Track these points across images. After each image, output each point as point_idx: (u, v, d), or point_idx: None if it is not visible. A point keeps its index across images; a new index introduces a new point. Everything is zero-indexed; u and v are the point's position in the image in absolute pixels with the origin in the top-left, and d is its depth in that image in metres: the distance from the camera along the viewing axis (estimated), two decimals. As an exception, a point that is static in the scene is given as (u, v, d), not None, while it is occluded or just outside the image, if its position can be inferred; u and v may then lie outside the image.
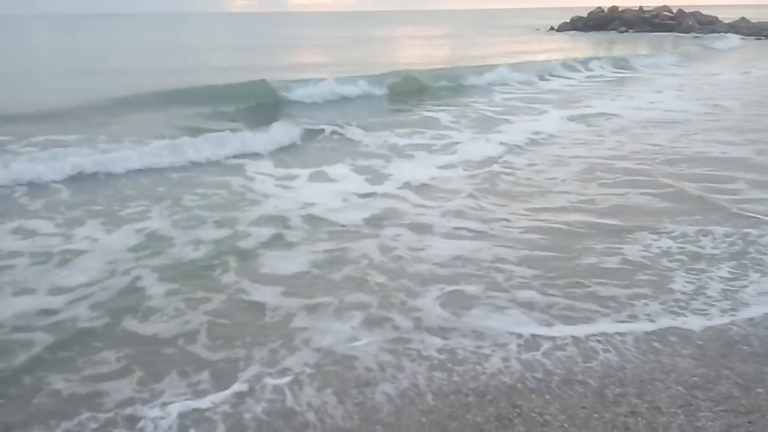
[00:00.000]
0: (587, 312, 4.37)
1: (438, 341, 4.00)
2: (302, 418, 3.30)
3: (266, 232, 5.96)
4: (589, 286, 4.78)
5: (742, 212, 6.46)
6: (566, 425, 3.18)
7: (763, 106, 13.84)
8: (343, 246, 5.64)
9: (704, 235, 5.84)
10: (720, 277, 4.94)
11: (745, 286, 4.77)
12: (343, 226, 6.17)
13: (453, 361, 3.80)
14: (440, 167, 8.48)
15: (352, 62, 23.37)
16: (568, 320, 4.26)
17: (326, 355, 3.88)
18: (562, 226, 6.15)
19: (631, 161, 8.73)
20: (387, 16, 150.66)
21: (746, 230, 5.94)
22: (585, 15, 52.79)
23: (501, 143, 9.88)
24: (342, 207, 6.76)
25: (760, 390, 3.44)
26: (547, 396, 3.43)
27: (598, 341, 3.98)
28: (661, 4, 51.00)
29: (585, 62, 22.48)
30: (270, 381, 3.62)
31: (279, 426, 3.24)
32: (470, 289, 4.73)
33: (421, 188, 7.50)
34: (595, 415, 3.26)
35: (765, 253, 5.41)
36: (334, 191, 7.36)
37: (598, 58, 23.60)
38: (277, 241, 5.75)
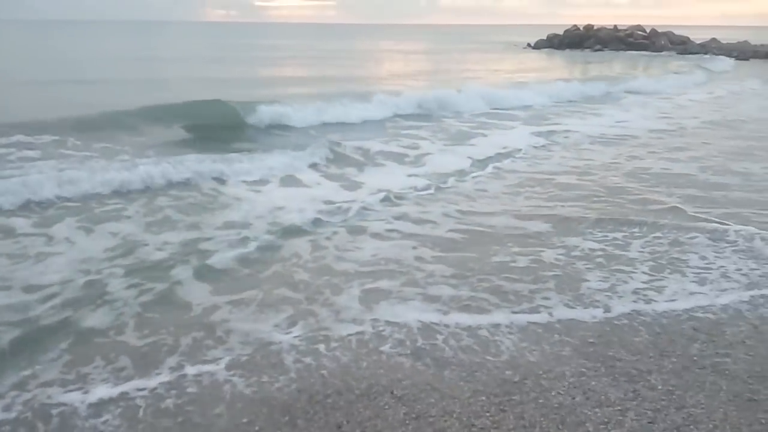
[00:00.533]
0: (487, 304, 4.85)
1: (349, 329, 4.43)
2: (216, 403, 3.63)
3: (226, 235, 6.34)
4: (495, 282, 5.25)
5: (671, 221, 7.00)
6: (459, 407, 3.60)
7: (724, 125, 14.62)
8: (289, 246, 6.06)
9: (630, 240, 6.38)
10: (635, 277, 5.43)
11: (662, 287, 5.24)
12: (297, 228, 6.57)
13: (360, 346, 4.22)
14: (408, 176, 9.14)
15: (330, 79, 23.44)
16: (468, 310, 4.73)
17: (247, 345, 4.24)
18: (486, 229, 6.67)
19: (573, 175, 9.28)
20: (366, 29, 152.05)
21: (672, 237, 6.49)
22: (561, 33, 53.99)
23: (468, 156, 10.42)
24: (304, 211, 7.13)
25: (655, 377, 3.91)
26: (433, 377, 3.86)
27: (489, 331, 4.42)
28: (635, 24, 52.55)
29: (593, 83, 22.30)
30: (190, 369, 3.96)
31: (195, 411, 3.56)
32: (389, 284, 5.19)
33: (381, 195, 7.94)
34: (482, 397, 3.70)
35: (687, 258, 5.92)
36: (302, 197, 7.87)
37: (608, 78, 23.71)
38: (233, 245, 6.07)
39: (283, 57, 39.29)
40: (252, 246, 6.00)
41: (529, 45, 55.94)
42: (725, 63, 36.93)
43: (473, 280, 5.28)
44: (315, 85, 20.61)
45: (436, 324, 4.47)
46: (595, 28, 52.80)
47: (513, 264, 5.67)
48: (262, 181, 8.63)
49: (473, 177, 9.10)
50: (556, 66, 35.04)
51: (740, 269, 5.73)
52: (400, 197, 7.86)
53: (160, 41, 59.59)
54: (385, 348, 4.20)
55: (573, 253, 5.99)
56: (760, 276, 5.58)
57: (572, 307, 4.81)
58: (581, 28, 53.14)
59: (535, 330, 4.46)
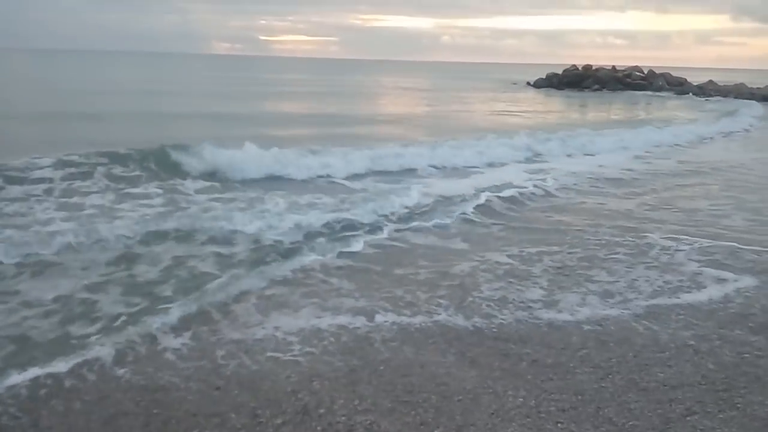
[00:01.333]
0: (381, 310, 5.32)
1: (239, 335, 4.84)
2: (105, 393, 4.01)
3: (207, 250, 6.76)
4: (394, 293, 5.73)
5: (592, 241, 7.58)
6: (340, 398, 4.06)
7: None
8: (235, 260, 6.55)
9: (543, 256, 6.89)
10: (532, 290, 5.88)
11: (556, 300, 5.66)
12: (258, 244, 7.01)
13: (247, 348, 4.63)
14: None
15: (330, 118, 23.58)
16: (361, 315, 5.19)
17: (145, 340, 4.68)
18: (403, 245, 7.32)
19: (521, 205, 9.80)
20: (368, 65, 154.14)
21: (587, 254, 7.03)
22: (560, 72, 55.06)
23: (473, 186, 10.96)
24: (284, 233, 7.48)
25: (515, 381, 4.36)
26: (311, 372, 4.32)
27: (373, 333, 4.92)
28: (633, 65, 53.83)
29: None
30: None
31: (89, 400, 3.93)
32: (288, 294, 5.66)
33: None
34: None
35: (594, 273, 6.39)
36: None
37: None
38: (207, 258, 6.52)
39: (288, 92, 39.50)
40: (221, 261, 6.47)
41: (528, 83, 57.07)
42: (755, 108, 34.12)
43: (376, 293, 5.72)
44: (313, 125, 20.85)
45: (326, 328, 4.96)
46: (593, 68, 53.85)
47: (417, 277, 6.16)
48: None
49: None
50: (594, 109, 34.71)
51: (651, 282, 6.18)
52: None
53: (168, 74, 59.64)
54: (269, 350, 4.62)
55: (482, 266, 6.50)
56: (671, 288, 6.04)
57: (454, 315, 5.26)
58: (580, 68, 54.19)
59: (414, 333, 4.93)
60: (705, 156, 16.86)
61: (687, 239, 7.80)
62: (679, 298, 5.85)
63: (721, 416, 3.89)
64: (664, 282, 6.23)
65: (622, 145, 18.08)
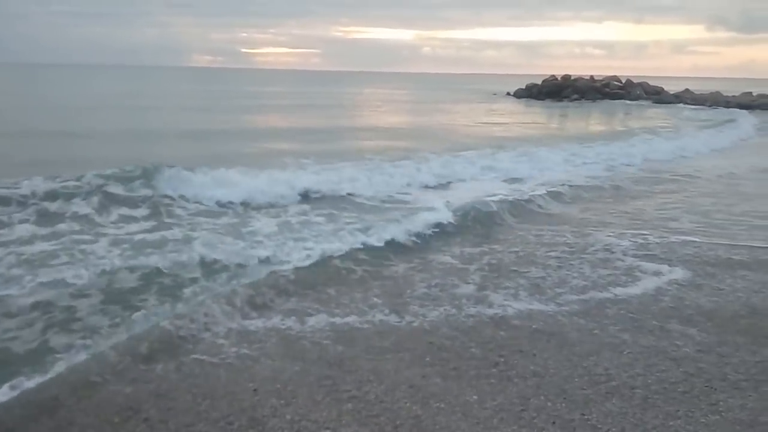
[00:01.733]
0: (314, 311, 5.47)
1: (203, 340, 4.93)
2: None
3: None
4: (330, 293, 5.91)
5: (533, 240, 7.86)
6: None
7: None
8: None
9: (477, 255, 7.11)
10: (462, 287, 6.08)
11: (485, 295, 5.87)
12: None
13: (214, 356, 4.66)
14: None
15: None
16: (292, 316, 5.34)
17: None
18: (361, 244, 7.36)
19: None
20: (349, 76, 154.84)
21: (525, 252, 7.28)
22: (539, 82, 55.58)
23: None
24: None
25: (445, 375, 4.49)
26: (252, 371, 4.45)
27: (304, 333, 5.05)
28: (610, 74, 54.55)
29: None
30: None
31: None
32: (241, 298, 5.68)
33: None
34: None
35: (528, 270, 6.57)
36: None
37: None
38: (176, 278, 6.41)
39: (272, 105, 39.35)
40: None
41: (508, 94, 57.61)
42: (745, 116, 32.88)
43: (313, 295, 5.86)
44: (300, 139, 20.50)
45: (257, 330, 5.09)
46: (572, 78, 54.44)
47: (351, 276, 6.37)
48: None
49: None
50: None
51: (587, 277, 6.40)
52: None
53: (151, 87, 58.83)
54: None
55: (419, 267, 6.70)
56: (606, 283, 6.24)
57: (388, 314, 5.43)
58: (559, 78, 54.75)
59: (346, 331, 5.09)
60: (677, 164, 16.81)
61: (630, 238, 8.07)
62: (611, 292, 6.04)
63: (703, 421, 3.88)
64: (598, 277, 6.45)
65: (605, 158, 17.24)
